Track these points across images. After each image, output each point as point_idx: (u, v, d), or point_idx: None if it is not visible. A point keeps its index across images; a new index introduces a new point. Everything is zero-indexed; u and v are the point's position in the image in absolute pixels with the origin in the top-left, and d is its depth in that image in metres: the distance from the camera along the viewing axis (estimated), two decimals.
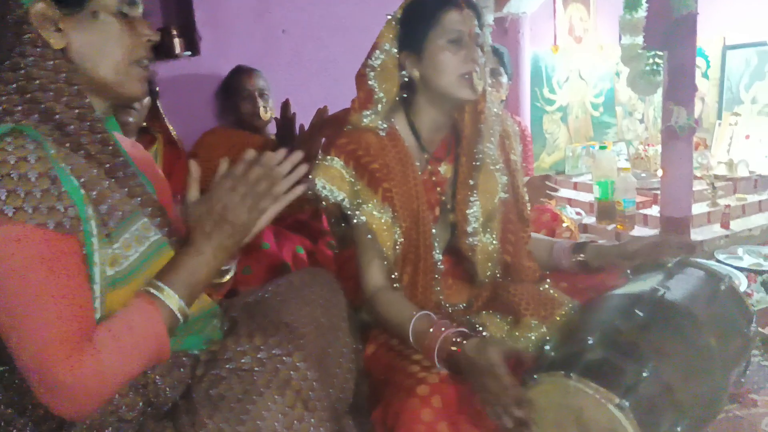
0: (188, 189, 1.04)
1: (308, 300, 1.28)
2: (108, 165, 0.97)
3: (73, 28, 0.97)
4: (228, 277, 1.21)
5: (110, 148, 0.99)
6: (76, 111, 0.95)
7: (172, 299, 0.95)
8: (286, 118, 2.12)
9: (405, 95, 1.45)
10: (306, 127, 2.10)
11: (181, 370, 1.03)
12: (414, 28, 1.38)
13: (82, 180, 0.92)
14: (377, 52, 1.41)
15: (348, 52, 2.81)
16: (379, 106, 1.41)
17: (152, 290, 0.95)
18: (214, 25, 2.53)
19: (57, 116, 0.93)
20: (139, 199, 1.00)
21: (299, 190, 1.05)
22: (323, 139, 2.07)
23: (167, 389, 1.00)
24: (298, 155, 1.05)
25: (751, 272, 2.04)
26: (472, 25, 1.36)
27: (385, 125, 1.42)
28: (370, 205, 1.36)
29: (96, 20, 0.98)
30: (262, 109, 2.36)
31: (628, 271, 1.36)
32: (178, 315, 0.96)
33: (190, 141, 2.32)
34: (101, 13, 0.98)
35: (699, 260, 1.41)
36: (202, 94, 2.51)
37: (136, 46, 1.02)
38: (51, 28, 0.95)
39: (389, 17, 1.42)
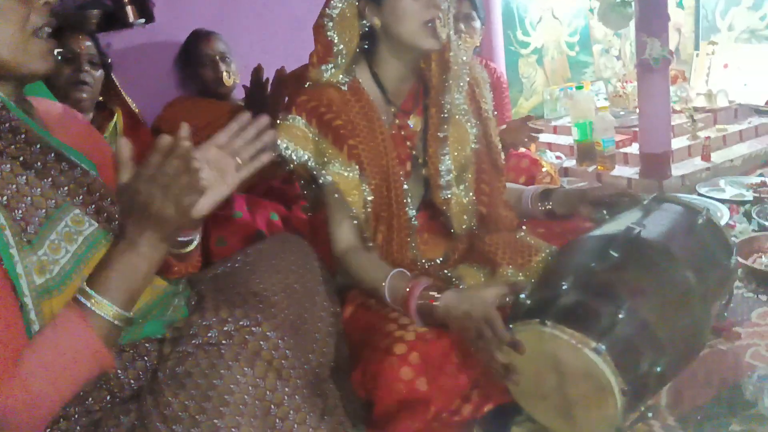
0: (118, 171, 0.88)
1: (279, 267, 1.23)
2: (22, 158, 0.88)
3: None
4: (191, 247, 1.10)
5: (22, 137, 0.89)
6: None
7: (104, 308, 0.85)
8: (257, 85, 2.03)
9: (366, 46, 1.39)
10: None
11: (145, 358, 0.98)
12: None
13: None
14: (334, 0, 1.34)
15: (313, 8, 2.71)
16: (340, 58, 1.35)
17: (81, 299, 0.85)
18: None
19: None
20: (66, 188, 0.91)
21: (265, 158, 0.97)
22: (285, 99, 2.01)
23: (131, 381, 0.96)
24: (264, 120, 0.97)
25: (733, 203, 2.02)
26: None
27: (346, 79, 1.36)
28: (336, 163, 1.32)
29: None
30: (225, 75, 2.27)
31: (605, 212, 1.33)
32: (117, 323, 0.86)
33: (152, 113, 2.24)
34: None
35: (677, 195, 1.39)
36: (160, 63, 2.41)
37: (30, 14, 0.89)
38: None
39: None
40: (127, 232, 0.87)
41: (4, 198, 0.83)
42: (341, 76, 1.36)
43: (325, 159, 1.33)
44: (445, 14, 1.33)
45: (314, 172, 1.34)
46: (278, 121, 1.37)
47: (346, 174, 1.32)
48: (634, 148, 2.43)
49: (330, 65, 1.36)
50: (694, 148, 2.39)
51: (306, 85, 1.39)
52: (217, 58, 2.28)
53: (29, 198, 0.86)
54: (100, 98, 1.89)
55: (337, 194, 1.32)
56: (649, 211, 1.23)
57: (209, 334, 0.97)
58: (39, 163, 0.89)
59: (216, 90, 2.30)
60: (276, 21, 2.68)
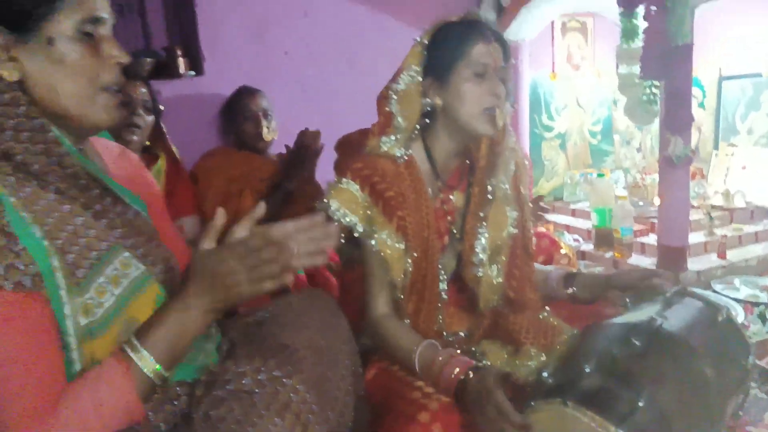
0: (205, 236, 0.95)
1: (307, 323, 1.27)
2: (82, 200, 0.92)
3: (27, 57, 0.88)
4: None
5: (83, 182, 0.93)
6: (40, 146, 0.88)
7: (148, 364, 0.89)
8: (301, 148, 2.13)
9: (424, 122, 1.43)
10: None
11: (175, 402, 1.00)
12: (441, 57, 1.36)
13: (47, 228, 0.85)
14: (402, 75, 1.40)
15: (346, 75, 2.86)
16: (399, 132, 1.40)
17: (128, 351, 0.89)
18: (218, 45, 2.56)
19: (18, 156, 0.86)
20: (119, 230, 0.95)
21: (320, 260, 0.99)
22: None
23: (161, 424, 0.97)
24: (334, 228, 1.00)
25: (748, 303, 2.05)
26: (498, 59, 1.36)
27: (402, 152, 1.40)
28: (383, 233, 1.35)
29: (51, 47, 0.89)
30: (264, 130, 2.37)
31: (627, 300, 1.37)
32: (155, 380, 0.90)
33: (190, 160, 2.33)
34: (57, 39, 0.89)
35: (697, 290, 1.42)
36: (204, 114, 2.53)
37: (102, 71, 0.93)
38: (4, 58, 0.87)
39: (416, 41, 1.41)
40: (186, 295, 0.92)
41: (59, 241, 0.86)
42: (398, 149, 1.40)
43: (373, 227, 1.35)
44: (503, 103, 1.38)
45: (360, 237, 1.37)
46: (332, 183, 1.41)
47: (392, 244, 1.35)
48: (651, 239, 2.48)
49: (389, 137, 1.40)
50: (710, 244, 2.43)
51: (363, 152, 1.43)
52: (260, 114, 2.38)
53: (84, 240, 0.88)
54: (147, 142, 1.99)
55: (381, 262, 1.35)
56: (671, 303, 1.27)
57: (243, 381, 1.01)
58: (98, 206, 0.93)
59: (254, 144, 2.39)
60: (312, 83, 2.82)
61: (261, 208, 0.98)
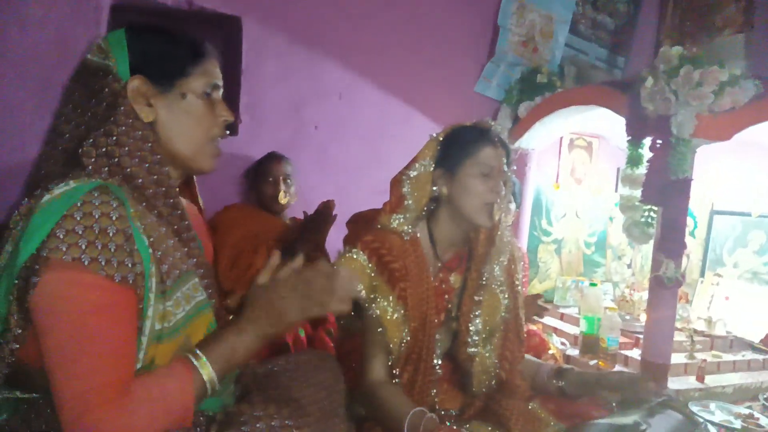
0: (263, 273, 1.10)
1: (315, 381, 1.35)
2: (175, 226, 1.07)
3: (162, 104, 1.08)
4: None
5: (179, 212, 1.09)
6: (155, 177, 1.04)
7: (206, 370, 1.00)
8: (320, 216, 2.26)
9: (431, 207, 1.59)
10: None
11: (198, 429, 1.09)
12: (452, 153, 1.53)
13: (151, 239, 0.99)
14: (416, 164, 1.55)
15: (366, 153, 3.04)
16: (408, 213, 1.53)
17: (192, 358, 1.01)
18: (256, 112, 2.74)
19: (139, 180, 1.02)
20: (194, 260, 1.09)
21: (344, 307, 1.10)
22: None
23: None
24: (347, 276, 1.11)
25: (722, 428, 2.12)
26: (502, 162, 1.54)
27: (409, 230, 1.54)
28: (385, 301, 1.46)
29: (183, 100, 1.09)
30: (282, 194, 2.51)
31: (614, 404, 1.46)
32: (209, 387, 1.01)
33: (210, 213, 2.45)
34: (189, 95, 1.09)
35: (678, 405, 1.52)
36: (232, 172, 2.67)
37: (214, 125, 1.13)
38: (143, 103, 1.06)
39: (432, 136, 1.58)
40: (244, 319, 1.05)
41: (159, 252, 1.00)
42: (406, 227, 1.54)
43: (376, 295, 1.46)
44: (501, 199, 1.55)
45: (364, 304, 1.48)
46: (342, 252, 1.55)
47: (392, 312, 1.46)
48: (634, 353, 2.56)
49: (399, 216, 1.54)
50: (690, 366, 2.52)
51: (374, 227, 1.57)
52: (280, 178, 2.53)
53: (172, 258, 1.02)
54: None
55: (381, 329, 1.45)
56: (654, 412, 1.36)
57: (258, 425, 1.08)
58: (185, 234, 1.08)
59: (270, 205, 2.52)
60: (335, 157, 2.99)
61: (276, 257, 1.13)
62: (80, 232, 0.90)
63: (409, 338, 1.48)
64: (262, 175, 2.56)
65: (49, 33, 2.29)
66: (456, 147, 1.54)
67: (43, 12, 2.28)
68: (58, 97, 1.31)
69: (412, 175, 1.55)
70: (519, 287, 1.68)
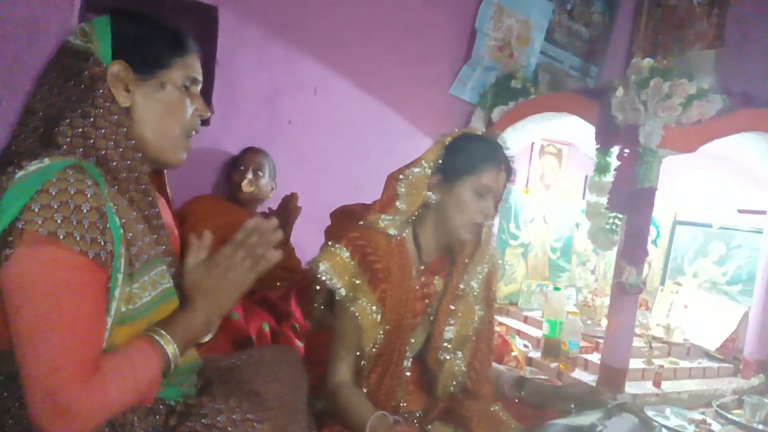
0: (190, 255, 1.13)
1: (277, 376, 1.35)
2: (146, 213, 1.07)
3: (140, 92, 1.09)
4: (207, 338, 1.28)
5: (150, 198, 1.09)
6: (128, 162, 1.05)
7: (169, 345, 1.03)
8: (285, 209, 2.25)
9: (419, 210, 1.54)
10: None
11: (157, 417, 1.09)
12: (456, 163, 1.48)
13: (123, 221, 1.00)
14: (418, 166, 1.50)
15: (341, 148, 3.04)
16: (398, 215, 1.49)
17: (154, 336, 1.02)
18: (228, 103, 2.71)
19: (113, 163, 1.03)
20: (163, 247, 1.10)
21: (278, 255, 1.14)
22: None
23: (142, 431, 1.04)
24: (274, 222, 1.13)
25: None
26: (501, 185, 1.50)
27: (396, 232, 1.50)
28: (365, 302, 1.43)
29: (162, 90, 1.10)
30: (246, 182, 2.50)
31: (572, 405, 1.49)
32: (172, 362, 1.03)
33: (177, 203, 2.42)
34: (168, 85, 1.11)
35: (634, 408, 1.56)
36: (201, 163, 2.64)
37: (189, 119, 1.14)
38: (121, 88, 1.07)
39: (439, 138, 1.53)
40: (194, 299, 1.09)
41: (129, 234, 1.01)
42: (393, 228, 1.49)
43: (356, 294, 1.43)
44: (490, 220, 1.53)
45: (341, 302, 1.45)
46: (325, 245, 1.50)
47: (371, 313, 1.43)
48: (594, 357, 2.61)
49: (388, 216, 1.50)
50: (647, 372, 2.58)
51: (361, 224, 1.53)
52: (250, 167, 2.51)
53: (141, 242, 1.03)
54: None
55: (355, 329, 1.43)
56: (611, 415, 1.39)
57: (218, 418, 1.08)
58: (154, 221, 1.09)
59: (235, 193, 2.50)
60: (309, 152, 2.98)
61: (208, 236, 1.17)
62: (55, 207, 0.90)
63: (381, 340, 1.47)
64: (234, 164, 2.55)
65: (20, 13, 2.23)
66: (461, 159, 1.49)
67: None
68: (28, 78, 1.31)
69: (410, 177, 1.51)
70: (494, 299, 1.68)
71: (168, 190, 2.21)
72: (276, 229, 1.11)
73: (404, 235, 1.54)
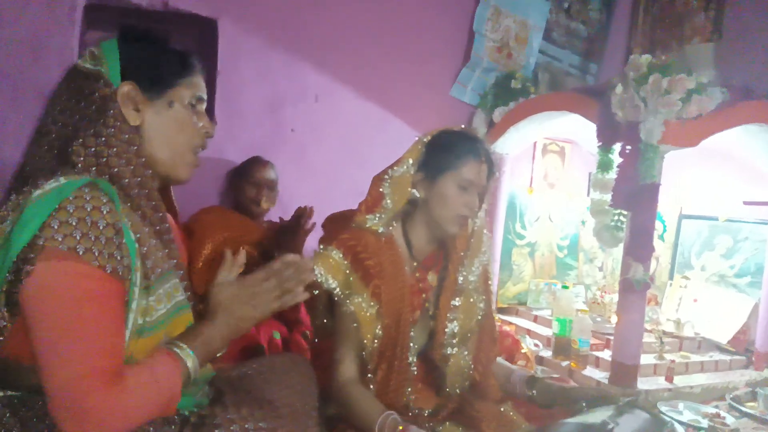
0: (222, 271, 1.19)
1: (288, 384, 1.36)
2: (157, 227, 1.11)
3: (149, 111, 1.13)
4: (220, 353, 1.31)
5: (160, 214, 1.13)
6: (139, 179, 1.09)
7: (189, 358, 1.06)
8: (296, 223, 2.26)
9: (407, 208, 1.60)
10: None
11: (172, 427, 1.09)
12: (436, 159, 1.53)
13: (138, 236, 1.03)
14: (400, 165, 1.55)
15: (344, 155, 3.05)
16: (385, 212, 1.54)
17: (175, 348, 1.06)
18: (230, 113, 2.73)
19: (125, 180, 1.07)
20: (174, 261, 1.13)
21: (306, 295, 1.19)
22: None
23: None
24: (310, 263, 1.19)
25: (690, 427, 2.18)
26: (483, 178, 1.54)
27: (384, 230, 1.55)
28: (359, 298, 1.48)
29: (170, 108, 1.14)
30: (263, 199, 2.52)
31: (583, 403, 1.49)
32: (192, 374, 1.06)
33: (184, 215, 2.43)
34: (176, 104, 1.15)
35: (646, 404, 1.56)
36: (206, 173, 2.64)
37: (196, 136, 1.18)
38: (131, 107, 1.11)
39: (418, 139, 1.58)
40: (216, 315, 1.12)
41: (144, 248, 1.04)
42: (381, 227, 1.55)
43: (351, 291, 1.48)
44: (475, 214, 1.56)
45: (338, 300, 1.49)
46: (318, 249, 1.55)
47: (366, 308, 1.47)
48: (605, 354, 2.61)
49: (375, 215, 1.55)
50: (659, 367, 2.58)
51: (350, 226, 1.58)
52: (263, 183, 2.53)
53: (154, 256, 1.06)
54: None
55: (355, 324, 1.46)
56: (622, 412, 1.39)
57: (231, 428, 1.09)
58: (166, 236, 1.12)
59: (249, 208, 2.51)
60: (314, 160, 2.99)
61: (242, 255, 1.23)
62: (74, 224, 0.94)
63: (382, 335, 1.49)
64: (245, 178, 2.55)
65: (24, 32, 2.26)
66: (441, 155, 1.54)
67: (18, 11, 2.26)
68: (33, 95, 1.34)
69: (394, 176, 1.56)
70: (491, 291, 1.70)
71: (175, 205, 2.24)
72: (311, 270, 1.16)
73: (392, 231, 1.58)
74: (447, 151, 1.54)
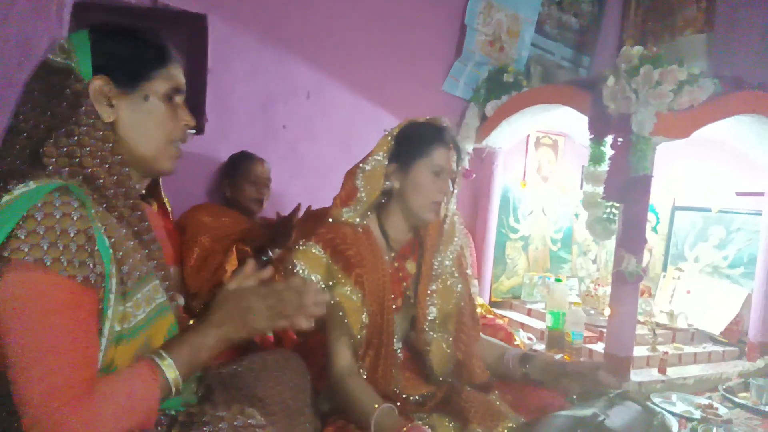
0: (235, 279, 1.15)
1: (280, 381, 1.36)
2: (136, 228, 1.07)
3: (124, 105, 1.08)
4: None
5: (139, 213, 1.08)
6: (115, 178, 1.04)
7: (171, 371, 1.02)
8: (289, 221, 2.25)
9: (381, 199, 1.63)
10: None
11: (158, 428, 1.09)
12: (406, 149, 1.58)
13: (112, 240, 1.00)
14: (371, 158, 1.59)
15: (336, 152, 3.04)
16: (360, 205, 1.58)
17: (156, 359, 1.02)
18: (222, 110, 2.72)
19: (100, 180, 1.02)
20: (155, 262, 1.09)
21: (307, 324, 1.11)
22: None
23: None
24: (325, 297, 1.13)
25: (682, 418, 2.19)
26: (453, 163, 1.59)
27: (360, 222, 1.59)
28: (343, 287, 1.50)
29: (146, 102, 1.09)
30: (265, 197, 2.53)
31: (574, 396, 1.50)
32: (173, 388, 1.03)
33: (174, 212, 2.42)
34: (151, 97, 1.10)
35: (636, 396, 1.56)
36: (197, 170, 2.65)
37: (175, 129, 1.13)
38: (104, 103, 1.06)
39: (386, 132, 1.62)
40: (208, 324, 1.08)
41: (120, 253, 1.00)
42: (357, 219, 1.59)
43: (334, 282, 1.51)
44: (449, 197, 1.61)
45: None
46: (297, 246, 1.57)
47: (351, 297, 1.50)
48: (598, 347, 2.62)
49: (349, 208, 1.59)
50: (652, 359, 2.59)
51: (326, 221, 1.61)
52: (263, 181, 2.53)
53: (132, 260, 1.03)
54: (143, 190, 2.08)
55: (341, 313, 1.48)
56: (613, 404, 1.40)
57: (220, 425, 1.08)
58: (145, 236, 1.08)
59: (249, 206, 2.51)
60: (305, 156, 2.98)
61: (251, 265, 1.17)
62: (41, 233, 0.90)
63: (368, 322, 1.51)
64: (243, 177, 2.54)
65: (11, 32, 2.24)
66: (410, 145, 1.59)
67: (4, 10, 2.24)
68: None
69: (366, 169, 1.60)
70: (469, 272, 1.74)
71: (166, 200, 2.23)
72: (319, 303, 1.09)
73: (367, 222, 1.61)
74: (417, 140, 1.58)
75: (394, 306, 1.58)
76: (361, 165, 1.61)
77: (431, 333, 1.59)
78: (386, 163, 1.59)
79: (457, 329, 1.64)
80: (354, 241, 1.55)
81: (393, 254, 1.64)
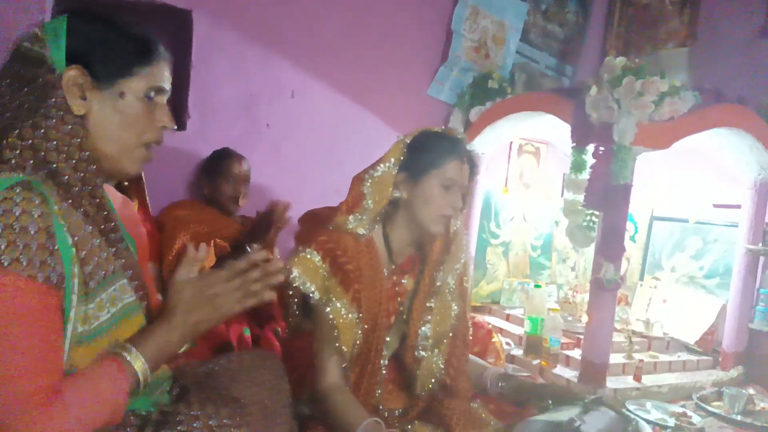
0: (183, 267, 1.11)
1: (257, 381, 1.34)
2: (102, 226, 1.03)
3: (97, 99, 1.02)
4: (183, 349, 1.26)
5: (105, 212, 1.04)
6: (82, 175, 0.99)
7: (139, 363, 1.00)
8: (270, 216, 2.23)
9: (388, 209, 1.57)
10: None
11: (128, 429, 1.06)
12: (419, 159, 1.51)
13: (76, 238, 0.95)
14: (381, 165, 1.52)
15: (319, 152, 3.03)
16: (366, 213, 1.51)
17: (123, 353, 1.00)
18: (205, 108, 2.69)
19: (65, 177, 0.97)
20: (123, 260, 1.06)
21: (273, 295, 1.12)
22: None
23: None
24: (280, 264, 1.13)
25: (656, 425, 2.21)
26: (466, 177, 1.53)
27: (364, 232, 1.52)
28: (339, 303, 1.44)
29: (121, 99, 1.03)
30: (242, 195, 2.50)
31: (550, 402, 1.50)
32: (141, 380, 1.01)
33: (154, 209, 2.39)
34: (128, 95, 1.03)
35: (612, 402, 1.57)
36: (178, 167, 2.62)
37: (148, 130, 1.06)
38: (77, 94, 1.00)
39: (400, 139, 1.56)
40: (173, 315, 1.06)
41: (83, 252, 0.96)
42: (362, 228, 1.52)
43: (330, 296, 1.44)
44: (458, 213, 1.55)
45: (316, 305, 1.45)
46: (295, 252, 1.52)
47: (346, 314, 1.44)
48: (575, 353, 2.64)
49: (356, 216, 1.52)
50: (628, 366, 2.61)
51: (329, 227, 1.54)
52: (241, 179, 2.51)
53: (96, 258, 0.99)
54: (126, 183, 2.06)
55: (336, 333, 1.43)
56: (589, 409, 1.41)
57: (194, 425, 1.07)
58: (112, 235, 1.04)
59: (227, 205, 2.48)
60: (288, 155, 2.96)
61: (203, 249, 1.15)
62: (0, 232, 0.86)
63: (360, 340, 1.47)
64: (218, 173, 2.51)
65: None
66: (423, 155, 1.52)
67: None
68: None
69: (375, 176, 1.53)
70: (468, 290, 1.70)
71: (147, 197, 2.21)
72: (279, 272, 1.10)
73: (372, 234, 1.56)
74: (430, 150, 1.52)
75: (386, 324, 1.53)
76: (369, 171, 1.55)
77: (422, 352, 1.54)
78: (396, 171, 1.52)
79: (449, 352, 1.60)
80: (355, 254, 1.49)
81: (393, 267, 1.59)
